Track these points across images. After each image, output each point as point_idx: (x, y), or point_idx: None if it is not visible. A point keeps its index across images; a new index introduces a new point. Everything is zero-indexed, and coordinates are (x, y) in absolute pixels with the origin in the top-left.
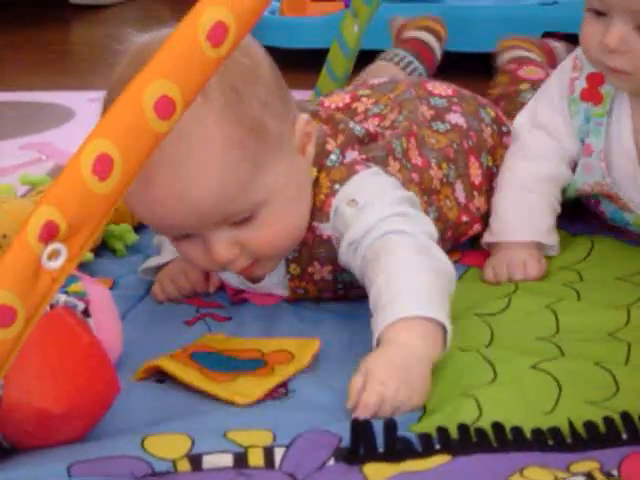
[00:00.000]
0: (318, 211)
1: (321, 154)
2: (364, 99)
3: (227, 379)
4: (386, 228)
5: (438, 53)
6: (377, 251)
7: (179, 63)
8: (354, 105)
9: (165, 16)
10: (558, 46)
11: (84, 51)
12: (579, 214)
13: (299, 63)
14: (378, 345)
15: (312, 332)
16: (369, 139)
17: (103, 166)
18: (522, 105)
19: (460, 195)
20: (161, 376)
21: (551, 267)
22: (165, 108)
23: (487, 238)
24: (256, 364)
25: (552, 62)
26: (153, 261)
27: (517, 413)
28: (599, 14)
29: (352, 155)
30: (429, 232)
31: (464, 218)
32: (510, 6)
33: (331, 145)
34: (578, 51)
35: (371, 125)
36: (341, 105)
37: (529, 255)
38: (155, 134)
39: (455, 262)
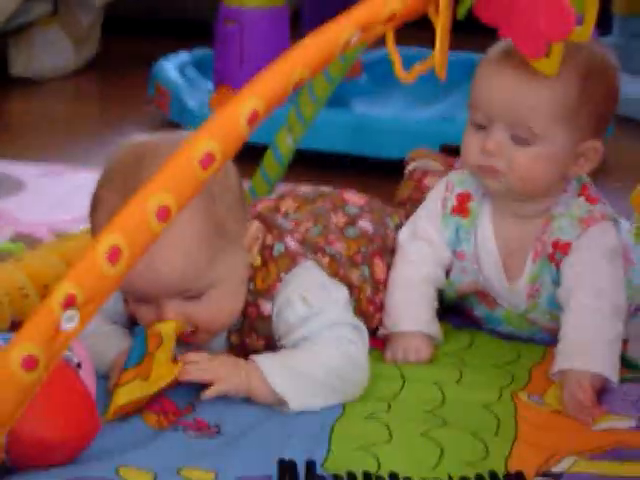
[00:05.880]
0: (266, 292)
1: (264, 246)
2: (288, 201)
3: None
4: (332, 334)
5: None
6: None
7: (176, 181)
8: (278, 205)
9: (95, 92)
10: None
11: (24, 123)
12: (462, 312)
13: None
14: None
15: None
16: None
17: (114, 255)
18: None
19: (368, 290)
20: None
21: (438, 353)
22: (164, 214)
23: (382, 331)
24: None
25: None
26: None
27: (408, 467)
28: (480, 127)
29: (291, 243)
30: (363, 339)
31: (371, 309)
32: (412, 118)
33: (269, 239)
34: (449, 176)
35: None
36: (268, 205)
37: (420, 341)
38: (154, 234)
39: None
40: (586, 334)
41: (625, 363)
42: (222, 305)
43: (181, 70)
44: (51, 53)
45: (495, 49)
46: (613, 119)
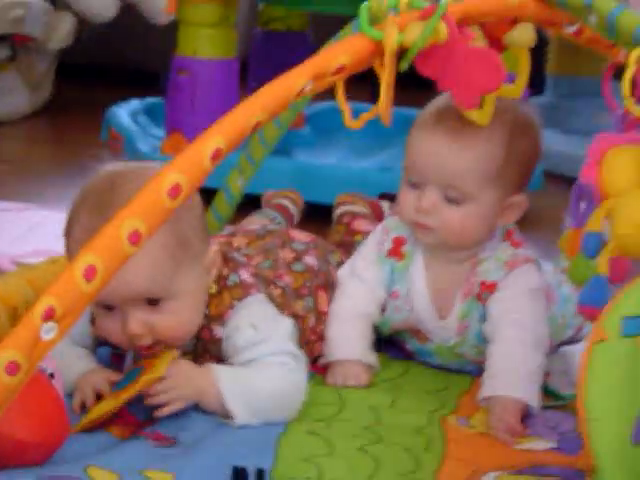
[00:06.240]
0: (219, 318)
1: (219, 276)
2: (240, 238)
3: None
4: (276, 360)
5: (295, 214)
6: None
7: (147, 209)
8: (230, 241)
9: (48, 136)
10: (384, 204)
11: None
12: (395, 345)
13: None
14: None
15: None
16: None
17: (90, 273)
18: None
19: (311, 320)
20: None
21: (375, 379)
22: (135, 238)
23: (322, 361)
24: (135, 372)
25: (379, 216)
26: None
27: (347, 477)
28: (414, 186)
29: (245, 275)
30: (302, 367)
31: (313, 338)
32: (353, 168)
33: (225, 270)
34: (386, 221)
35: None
36: (221, 240)
37: (359, 368)
38: (126, 255)
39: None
40: (510, 363)
41: (547, 392)
42: (182, 317)
43: (133, 117)
44: (7, 97)
45: (426, 112)
46: (543, 175)
